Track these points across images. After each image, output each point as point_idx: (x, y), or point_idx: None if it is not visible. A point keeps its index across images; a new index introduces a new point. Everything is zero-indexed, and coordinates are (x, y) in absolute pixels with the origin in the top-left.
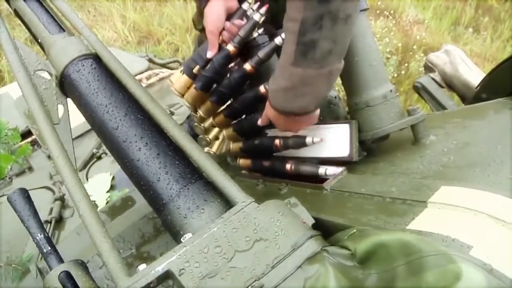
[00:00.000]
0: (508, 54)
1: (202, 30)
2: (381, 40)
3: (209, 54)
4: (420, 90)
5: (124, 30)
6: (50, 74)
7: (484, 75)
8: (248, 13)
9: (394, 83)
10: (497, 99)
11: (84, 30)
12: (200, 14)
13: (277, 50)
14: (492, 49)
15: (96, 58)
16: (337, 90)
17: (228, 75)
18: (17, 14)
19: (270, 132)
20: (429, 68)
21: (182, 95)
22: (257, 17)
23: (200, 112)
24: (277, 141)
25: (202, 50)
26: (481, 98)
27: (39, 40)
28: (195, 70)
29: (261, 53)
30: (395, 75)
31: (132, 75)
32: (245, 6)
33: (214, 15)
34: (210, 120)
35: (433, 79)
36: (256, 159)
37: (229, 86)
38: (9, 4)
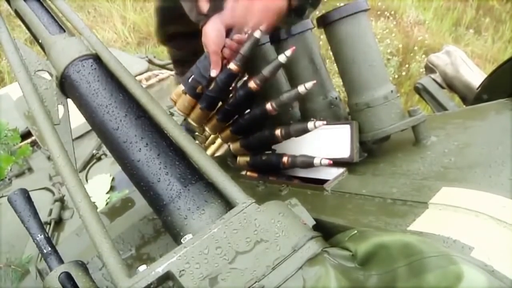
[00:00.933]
0: (509, 55)
1: (167, 41)
2: (382, 41)
3: (213, 73)
4: (421, 91)
5: (124, 31)
6: (51, 75)
7: (485, 76)
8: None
9: (395, 84)
10: (498, 100)
11: (84, 30)
12: (164, 24)
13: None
14: (493, 50)
15: (97, 59)
16: (338, 91)
17: (233, 93)
18: (17, 14)
19: (278, 149)
20: (430, 69)
21: (187, 115)
22: (257, 34)
23: (207, 129)
24: (284, 159)
25: (204, 69)
26: (482, 99)
27: (40, 41)
28: (198, 90)
29: (265, 71)
30: (396, 76)
31: (132, 76)
32: None
33: (214, 34)
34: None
35: (434, 80)
36: (263, 174)
37: (234, 104)
38: (9, 4)
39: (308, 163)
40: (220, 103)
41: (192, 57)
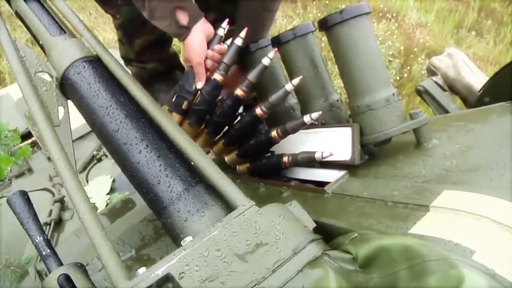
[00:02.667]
0: (511, 57)
1: (137, 59)
2: (383, 43)
3: (200, 85)
4: (423, 94)
5: None
6: (51, 76)
7: (487, 78)
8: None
9: (397, 86)
10: (500, 103)
11: (85, 31)
12: (131, 39)
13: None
14: (495, 53)
15: (97, 60)
16: (339, 93)
17: (220, 104)
18: (18, 15)
19: (277, 151)
20: (431, 71)
21: None
22: (238, 41)
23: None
24: (285, 158)
25: (188, 84)
26: (483, 101)
27: (40, 42)
28: (184, 106)
29: (251, 76)
30: (398, 78)
31: (133, 77)
32: (220, 32)
33: (197, 46)
34: None
35: (435, 82)
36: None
37: (223, 114)
38: (10, 5)
39: (310, 159)
40: (208, 116)
41: (162, 68)
